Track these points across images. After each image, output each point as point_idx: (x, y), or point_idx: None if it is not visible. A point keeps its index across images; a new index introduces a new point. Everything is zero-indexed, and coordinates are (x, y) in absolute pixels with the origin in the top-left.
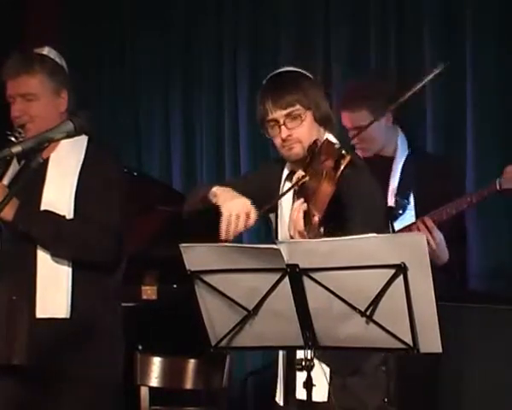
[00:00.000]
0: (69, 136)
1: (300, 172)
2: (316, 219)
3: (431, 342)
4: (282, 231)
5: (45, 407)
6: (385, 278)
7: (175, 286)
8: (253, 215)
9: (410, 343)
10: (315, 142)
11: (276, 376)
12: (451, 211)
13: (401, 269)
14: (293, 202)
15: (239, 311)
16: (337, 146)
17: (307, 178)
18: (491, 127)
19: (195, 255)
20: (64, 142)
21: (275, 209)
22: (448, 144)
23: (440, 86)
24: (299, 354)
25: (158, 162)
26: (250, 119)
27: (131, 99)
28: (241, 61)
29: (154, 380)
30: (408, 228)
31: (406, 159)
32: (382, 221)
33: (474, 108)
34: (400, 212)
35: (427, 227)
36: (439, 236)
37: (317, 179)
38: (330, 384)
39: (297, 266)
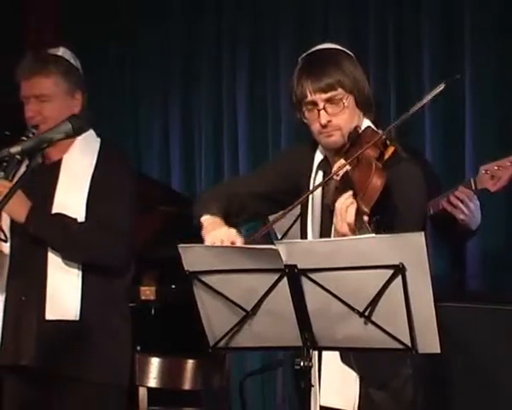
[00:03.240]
0: (68, 136)
1: (341, 161)
2: (365, 217)
3: (429, 342)
4: (314, 226)
5: (52, 407)
6: (383, 278)
7: (173, 287)
8: (239, 244)
9: (409, 344)
10: (355, 129)
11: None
12: (429, 211)
13: (399, 269)
14: (324, 190)
15: (237, 311)
16: (381, 135)
17: (349, 168)
18: (490, 130)
19: (194, 256)
20: (77, 144)
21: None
22: (447, 147)
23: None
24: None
25: (157, 163)
26: (249, 119)
27: (131, 100)
28: (241, 61)
29: (153, 380)
30: (437, 202)
31: None
32: (422, 221)
33: (473, 111)
34: None
35: (459, 199)
36: (472, 204)
37: (362, 170)
38: (360, 394)
39: (295, 266)
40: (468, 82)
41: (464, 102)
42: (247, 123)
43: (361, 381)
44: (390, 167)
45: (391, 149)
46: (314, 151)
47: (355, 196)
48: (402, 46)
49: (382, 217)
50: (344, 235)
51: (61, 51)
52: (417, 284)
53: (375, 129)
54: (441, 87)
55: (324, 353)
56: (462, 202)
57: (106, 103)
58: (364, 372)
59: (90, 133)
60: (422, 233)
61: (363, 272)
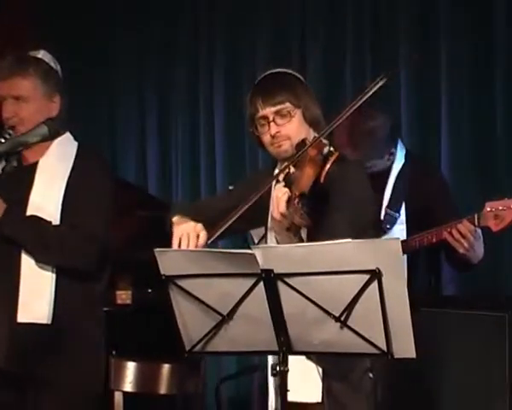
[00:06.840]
0: (44, 139)
1: (285, 163)
2: (296, 199)
3: (405, 347)
4: (271, 234)
5: None
6: (359, 283)
7: (150, 291)
8: (203, 236)
9: (384, 349)
10: (303, 140)
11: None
12: (431, 238)
13: (376, 274)
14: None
15: (213, 316)
16: (326, 143)
17: (292, 169)
18: (466, 150)
19: (170, 260)
20: (53, 147)
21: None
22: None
23: (416, 92)
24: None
25: (133, 166)
26: (226, 122)
27: (107, 103)
28: (218, 66)
29: (128, 385)
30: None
31: (401, 169)
32: (370, 221)
33: (448, 122)
34: (388, 226)
35: (461, 234)
36: (473, 239)
37: (300, 166)
38: (323, 386)
39: (272, 271)
40: (444, 98)
41: (440, 95)
42: (223, 125)
43: (323, 374)
44: (334, 171)
45: (335, 155)
46: (273, 169)
47: (291, 188)
48: (379, 48)
49: (315, 205)
50: (279, 222)
51: (41, 54)
52: (393, 288)
53: (321, 139)
54: (382, 82)
55: None
56: (463, 236)
57: (80, 106)
58: (325, 365)
59: (68, 137)
60: (399, 239)
61: (339, 277)
